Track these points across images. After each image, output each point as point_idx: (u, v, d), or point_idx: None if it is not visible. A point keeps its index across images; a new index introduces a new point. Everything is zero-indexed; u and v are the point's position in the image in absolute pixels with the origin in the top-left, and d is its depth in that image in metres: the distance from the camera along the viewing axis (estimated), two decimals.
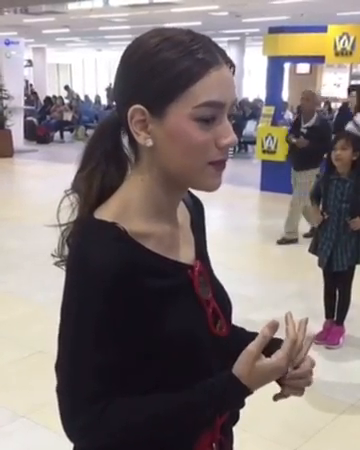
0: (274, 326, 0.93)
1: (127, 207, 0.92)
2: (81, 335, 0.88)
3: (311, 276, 3.91)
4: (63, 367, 0.91)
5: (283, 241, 5.94)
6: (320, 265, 3.66)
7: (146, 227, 0.92)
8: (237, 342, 1.07)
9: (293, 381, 0.96)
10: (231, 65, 0.88)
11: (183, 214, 1.04)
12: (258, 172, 8.86)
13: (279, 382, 0.97)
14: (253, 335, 1.02)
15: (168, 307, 0.91)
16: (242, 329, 1.17)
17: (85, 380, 0.88)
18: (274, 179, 8.32)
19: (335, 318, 3.77)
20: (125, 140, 0.96)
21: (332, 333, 3.72)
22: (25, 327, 3.88)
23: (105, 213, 0.91)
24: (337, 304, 3.75)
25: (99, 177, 0.95)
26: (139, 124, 0.88)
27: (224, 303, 1.03)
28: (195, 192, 1.05)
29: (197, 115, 0.85)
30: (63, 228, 0.98)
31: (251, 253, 5.97)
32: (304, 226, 5.99)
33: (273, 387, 0.99)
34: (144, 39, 0.88)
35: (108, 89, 21.87)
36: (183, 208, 1.05)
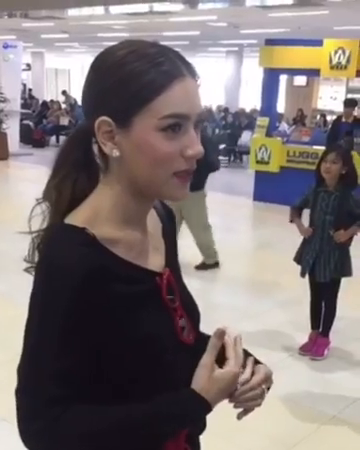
0: (221, 334, 0.95)
1: (97, 214, 0.94)
2: (43, 338, 0.88)
3: (301, 286, 3.93)
4: (24, 369, 0.90)
5: (202, 266, 5.37)
6: (302, 275, 3.70)
7: (116, 233, 0.94)
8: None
9: (246, 395, 0.97)
10: (197, 77, 0.91)
11: (155, 223, 1.06)
12: (251, 182, 8.91)
13: (232, 400, 0.97)
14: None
15: (135, 313, 0.92)
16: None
17: (44, 383, 0.87)
18: (267, 189, 8.37)
19: (320, 329, 3.80)
20: (96, 149, 0.97)
21: (317, 344, 3.74)
22: (12, 330, 3.88)
23: (75, 219, 0.93)
24: (323, 315, 3.78)
25: (70, 185, 0.96)
26: (106, 135, 0.90)
27: (192, 311, 1.04)
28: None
29: (162, 126, 0.87)
30: (34, 235, 0.99)
31: (241, 262, 6.00)
32: (196, 256, 5.39)
33: None
34: (112, 51, 0.90)
35: None
36: (155, 217, 1.07)
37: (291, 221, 3.78)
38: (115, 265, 0.91)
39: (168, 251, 1.05)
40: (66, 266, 0.87)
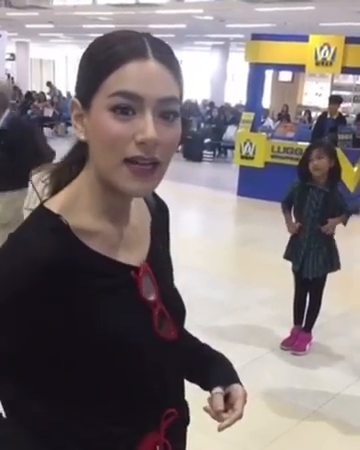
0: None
1: (76, 200, 0.93)
2: None
3: (283, 282, 3.95)
4: None
5: None
6: (294, 271, 3.71)
7: (92, 224, 0.92)
8: (199, 359, 1.12)
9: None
10: (164, 62, 0.86)
11: (143, 215, 1.04)
12: (236, 177, 8.92)
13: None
14: (212, 353, 1.12)
15: (100, 307, 0.90)
16: (202, 344, 1.18)
17: None
18: (251, 185, 8.38)
19: (303, 325, 3.82)
20: None
21: (299, 339, 3.76)
22: None
23: (53, 204, 0.92)
24: (307, 311, 3.80)
25: (68, 173, 0.96)
26: (78, 118, 0.90)
27: (174, 306, 1.02)
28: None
29: (111, 105, 0.84)
30: None
31: (224, 257, 6.00)
32: None
33: None
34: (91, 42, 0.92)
35: None
36: (144, 209, 1.05)
37: (284, 212, 3.76)
38: (84, 256, 0.89)
39: (153, 245, 1.03)
40: (30, 250, 0.86)
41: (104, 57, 0.85)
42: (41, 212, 0.91)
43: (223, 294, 4.69)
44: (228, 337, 3.75)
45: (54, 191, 0.96)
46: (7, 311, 0.87)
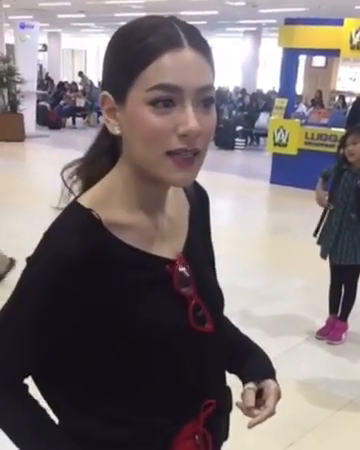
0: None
1: (110, 195, 0.92)
2: (12, 318, 0.91)
3: (319, 270, 3.89)
4: None
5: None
6: (322, 256, 3.65)
7: (126, 217, 0.91)
8: (238, 351, 1.11)
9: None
10: (200, 50, 0.84)
11: (180, 206, 1.02)
12: (269, 165, 8.83)
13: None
14: (251, 346, 1.12)
15: (136, 302, 0.89)
16: (241, 335, 1.17)
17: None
18: (284, 172, 8.29)
19: (339, 313, 3.76)
20: None
21: (335, 329, 3.71)
22: None
23: (86, 200, 0.91)
24: (342, 299, 3.75)
25: (98, 168, 0.95)
26: (110, 112, 0.88)
27: (211, 299, 1.00)
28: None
29: (150, 99, 0.82)
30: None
31: (258, 246, 5.96)
32: None
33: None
34: (121, 27, 0.89)
35: None
36: (182, 199, 1.03)
37: (319, 182, 3.68)
38: (119, 251, 0.89)
39: (191, 236, 1.01)
40: (62, 246, 0.85)
41: (138, 49, 0.82)
42: (73, 208, 0.91)
43: (257, 283, 4.66)
44: (262, 326, 3.72)
45: (85, 187, 0.95)
46: (43, 309, 0.88)
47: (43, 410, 0.96)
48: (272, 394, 1.02)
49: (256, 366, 1.09)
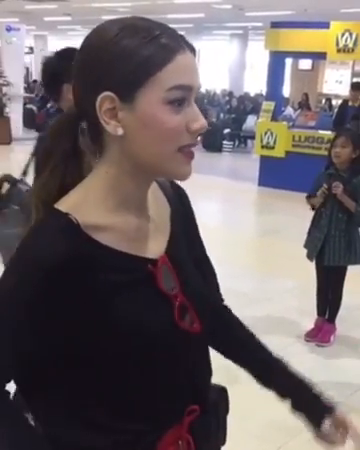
0: None
1: (87, 199, 0.91)
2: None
3: (308, 272, 3.90)
4: None
5: None
6: (309, 257, 3.66)
7: (105, 220, 0.90)
8: (263, 364, 1.15)
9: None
10: (193, 51, 0.89)
11: (160, 206, 1.02)
12: (256, 167, 8.85)
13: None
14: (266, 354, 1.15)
15: (120, 303, 0.89)
16: (259, 343, 1.20)
17: None
18: (272, 175, 8.31)
19: (327, 316, 3.77)
20: (85, 133, 0.93)
21: (323, 331, 3.72)
22: None
23: (63, 204, 0.90)
24: (329, 302, 3.75)
25: (58, 180, 0.93)
26: (108, 112, 0.86)
27: (197, 298, 0.99)
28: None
29: (169, 99, 0.85)
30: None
31: (246, 248, 5.97)
32: None
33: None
34: (103, 27, 0.88)
35: None
36: (162, 199, 1.03)
37: (312, 208, 3.66)
38: (98, 253, 0.88)
39: (174, 236, 1.00)
40: (40, 252, 0.85)
41: (153, 50, 0.84)
42: (50, 213, 0.90)
43: (246, 285, 4.66)
44: (252, 328, 3.72)
45: (49, 201, 0.92)
46: (25, 313, 0.87)
47: (25, 419, 0.94)
48: (350, 426, 1.10)
49: (310, 397, 1.15)
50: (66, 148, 0.93)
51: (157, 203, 1.00)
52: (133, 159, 0.89)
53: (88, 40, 0.89)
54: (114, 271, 0.89)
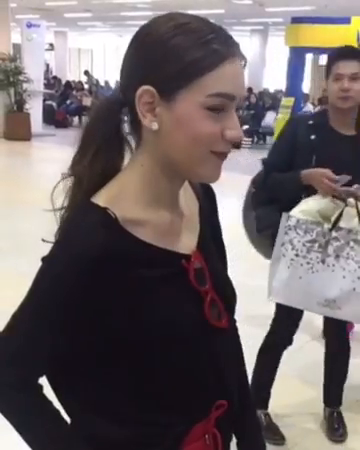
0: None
1: (124, 192, 0.91)
2: (33, 316, 0.91)
3: None
4: (13, 331, 0.93)
5: None
6: None
7: (141, 214, 0.91)
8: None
9: None
10: (244, 61, 0.89)
11: (191, 202, 1.02)
12: None
13: None
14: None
15: (153, 297, 0.90)
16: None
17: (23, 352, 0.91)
18: None
19: None
20: (127, 122, 0.94)
21: None
22: None
23: (100, 198, 0.90)
24: None
25: (103, 161, 0.92)
26: (146, 106, 0.87)
27: (225, 294, 1.01)
28: None
29: (208, 104, 0.84)
30: (61, 213, 0.97)
31: None
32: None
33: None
34: (159, 22, 0.87)
35: None
36: (191, 195, 1.04)
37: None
38: (134, 248, 0.89)
39: (203, 232, 1.02)
40: (80, 246, 0.85)
41: (202, 54, 0.83)
42: (87, 207, 0.90)
43: (263, 282, 4.65)
44: (268, 327, 3.72)
45: (90, 182, 0.92)
46: (61, 310, 0.88)
47: (58, 411, 0.96)
48: None
49: None
50: (109, 131, 0.92)
51: (187, 198, 1.01)
52: (165, 155, 0.89)
53: (142, 31, 0.88)
54: (150, 266, 0.90)
